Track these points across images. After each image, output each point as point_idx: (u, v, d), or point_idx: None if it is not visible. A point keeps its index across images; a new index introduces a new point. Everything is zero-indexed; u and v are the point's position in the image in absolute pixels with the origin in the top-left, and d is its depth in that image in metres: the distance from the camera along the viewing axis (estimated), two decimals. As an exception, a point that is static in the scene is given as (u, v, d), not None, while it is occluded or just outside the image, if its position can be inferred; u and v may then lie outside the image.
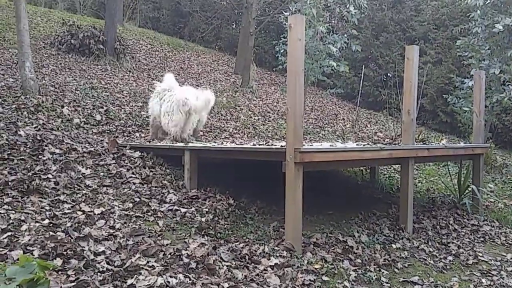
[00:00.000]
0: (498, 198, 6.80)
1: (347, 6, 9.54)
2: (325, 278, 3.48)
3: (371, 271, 3.75)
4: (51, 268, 2.64)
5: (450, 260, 4.33)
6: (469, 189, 6.12)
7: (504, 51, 9.07)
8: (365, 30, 14.96)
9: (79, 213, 3.76)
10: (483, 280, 3.96)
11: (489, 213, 6.03)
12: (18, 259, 2.55)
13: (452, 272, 4.10)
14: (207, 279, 3.12)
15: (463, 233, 5.17)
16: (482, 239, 5.11)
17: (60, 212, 3.71)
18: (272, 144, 4.71)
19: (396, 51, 14.18)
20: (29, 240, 3.12)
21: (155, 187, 4.69)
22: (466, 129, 10.90)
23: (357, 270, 3.73)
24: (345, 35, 9.83)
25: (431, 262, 4.23)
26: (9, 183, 3.95)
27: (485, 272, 4.16)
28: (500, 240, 5.14)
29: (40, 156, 4.68)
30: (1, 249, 2.95)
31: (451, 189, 6.51)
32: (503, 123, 11.90)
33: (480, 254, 4.57)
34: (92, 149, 5.23)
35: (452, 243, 4.80)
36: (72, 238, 3.28)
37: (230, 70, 14.49)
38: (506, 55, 8.93)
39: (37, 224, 3.40)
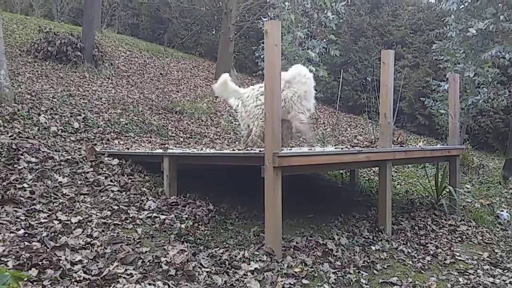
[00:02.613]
0: (474, 198, 6.94)
1: (325, 12, 9.65)
2: (305, 281, 3.49)
3: (350, 273, 3.78)
4: (25, 279, 2.60)
5: (428, 260, 4.40)
6: (446, 190, 6.23)
7: (478, 54, 9.28)
8: (344, 35, 15.15)
9: (56, 222, 3.70)
10: (460, 279, 4.03)
11: (466, 213, 6.14)
12: (-9, 271, 2.50)
13: (430, 272, 4.16)
14: (187, 285, 3.11)
15: (441, 234, 5.26)
16: (459, 239, 5.21)
17: (36, 222, 3.65)
18: (251, 149, 4.72)
19: (374, 55, 14.38)
20: (3, 251, 3.06)
21: (134, 194, 4.65)
22: (443, 131, 11.10)
23: (337, 272, 3.75)
24: (324, 40, 9.95)
25: (410, 262, 4.28)
26: (-17, 193, 3.87)
27: (462, 271, 4.24)
28: (477, 240, 5.24)
29: (15, 165, 4.60)
30: (-27, 261, 2.88)
31: (429, 191, 6.62)
32: (479, 125, 12.16)
33: (458, 254, 4.65)
34: (70, 157, 5.16)
35: (430, 243, 4.87)
36: (48, 248, 3.22)
37: (210, 76, 14.48)
38: (480, 59, 9.15)
39: (12, 235, 3.34)
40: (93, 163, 5.16)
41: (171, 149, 5.61)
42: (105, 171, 5.04)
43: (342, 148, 4.87)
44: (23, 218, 3.68)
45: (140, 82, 11.42)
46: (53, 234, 3.48)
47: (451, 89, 6.48)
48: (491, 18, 8.83)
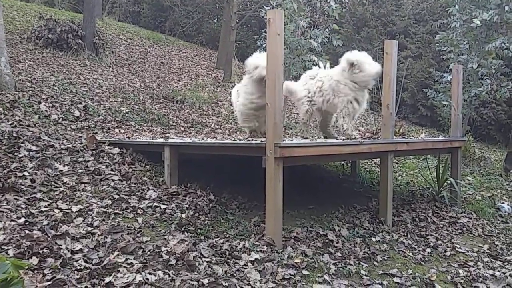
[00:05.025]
0: (476, 191, 6.93)
1: (328, 1, 9.53)
2: (305, 272, 3.49)
3: (350, 264, 3.78)
4: (26, 267, 2.60)
5: (428, 252, 4.39)
6: (448, 182, 6.21)
7: (482, 45, 9.20)
8: (347, 24, 15.03)
9: (56, 211, 3.70)
10: (460, 271, 4.03)
11: (467, 205, 6.14)
12: (-9, 259, 2.50)
13: (430, 264, 4.16)
14: (187, 275, 3.10)
15: (441, 225, 5.26)
16: (459, 231, 5.20)
17: (37, 210, 3.64)
18: (253, 139, 4.70)
19: (377, 45, 14.26)
20: (4, 239, 3.06)
21: (135, 183, 4.64)
22: (445, 122, 11.06)
23: (337, 263, 3.75)
24: (327, 29, 9.83)
25: (410, 254, 4.28)
26: (-17, 181, 3.86)
27: (462, 263, 4.24)
28: (477, 232, 5.24)
29: (16, 153, 4.59)
30: (-26, 249, 2.88)
31: (430, 182, 6.60)
32: (481, 116, 12.13)
33: (458, 246, 4.65)
34: (70, 145, 5.15)
35: (431, 235, 4.87)
36: (48, 236, 3.22)
37: (211, 65, 14.42)
38: (484, 50, 9.07)
39: (13, 223, 3.34)
40: (94, 151, 5.15)
41: (172, 138, 5.59)
42: (105, 160, 5.03)
43: (343, 139, 4.85)
44: (23, 206, 3.68)
45: (141, 70, 11.38)
46: (53, 222, 3.48)
47: (454, 80, 6.44)
48: (496, 9, 8.74)
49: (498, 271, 4.13)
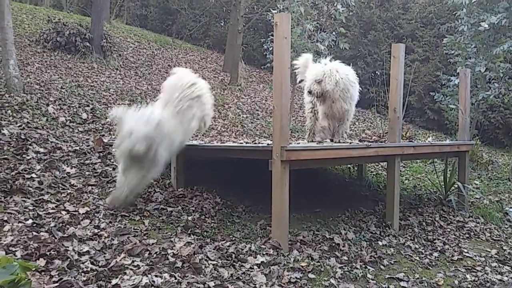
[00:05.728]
0: (483, 195, 6.88)
1: (335, 4, 9.54)
2: (311, 275, 3.49)
3: (357, 268, 3.76)
4: (33, 269, 2.61)
5: (435, 257, 4.37)
6: (455, 186, 6.18)
7: (490, 49, 9.16)
8: (353, 28, 15.00)
9: (64, 212, 3.72)
10: (468, 276, 4.00)
11: (475, 210, 6.10)
12: (-1, 260, 2.51)
13: (438, 268, 4.14)
14: (193, 278, 3.11)
15: (448, 230, 5.22)
16: (467, 235, 5.17)
17: (44, 212, 3.67)
18: (259, 142, 4.71)
19: (384, 49, 14.24)
20: (12, 240, 3.08)
21: (141, 186, 4.65)
22: (452, 126, 11.00)
23: (343, 267, 3.74)
24: (333, 33, 9.83)
25: (417, 258, 4.26)
26: (-8, 183, 3.89)
27: (470, 268, 4.21)
28: (485, 236, 5.20)
29: (24, 156, 4.62)
30: (-18, 250, 2.90)
31: (437, 186, 6.57)
32: (489, 120, 12.03)
33: (465, 250, 4.62)
34: (78, 148, 5.18)
35: (438, 239, 4.84)
36: (56, 238, 3.24)
37: (218, 68, 14.44)
38: (492, 53, 9.02)
39: (20, 224, 3.36)
40: (101, 154, 5.18)
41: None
42: (112, 162, 5.05)
43: (350, 143, 4.84)
44: (31, 208, 3.70)
45: (148, 73, 11.42)
46: (61, 224, 3.50)
47: (462, 84, 6.41)
48: (504, 12, 8.70)
49: (506, 276, 4.10)
